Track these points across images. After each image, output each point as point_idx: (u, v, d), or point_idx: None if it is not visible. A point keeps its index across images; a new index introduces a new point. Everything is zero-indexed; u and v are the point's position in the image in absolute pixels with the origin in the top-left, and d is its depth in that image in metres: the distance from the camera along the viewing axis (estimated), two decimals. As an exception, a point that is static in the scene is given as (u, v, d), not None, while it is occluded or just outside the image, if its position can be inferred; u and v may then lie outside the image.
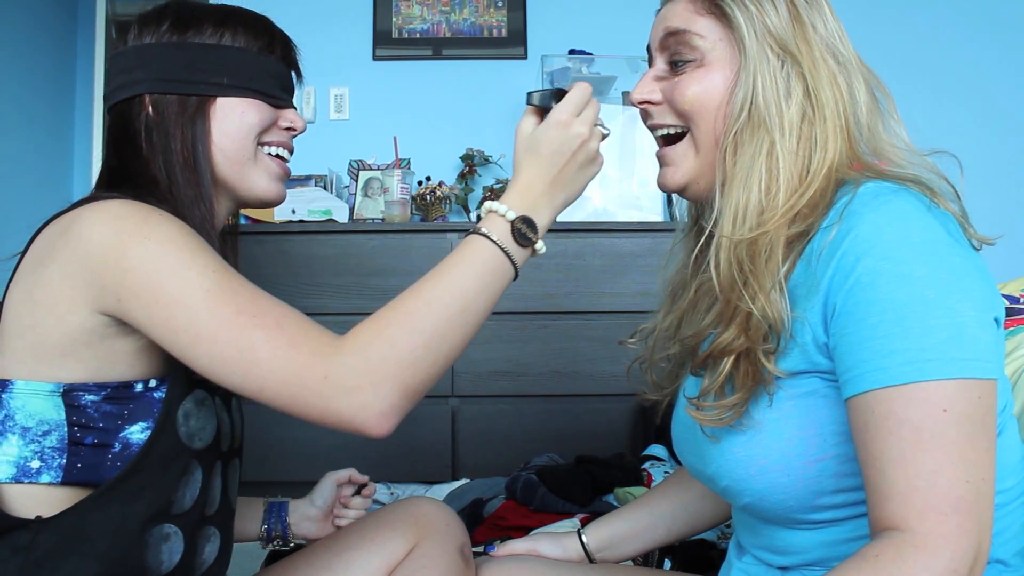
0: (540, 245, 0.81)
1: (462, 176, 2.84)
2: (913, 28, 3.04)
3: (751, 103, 0.77)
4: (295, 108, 0.94)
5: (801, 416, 0.74)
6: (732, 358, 0.75)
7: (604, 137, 0.84)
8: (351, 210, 2.64)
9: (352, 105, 3.02)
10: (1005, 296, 1.18)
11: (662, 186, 0.87)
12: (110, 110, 0.89)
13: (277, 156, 0.93)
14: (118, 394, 0.76)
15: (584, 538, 1.05)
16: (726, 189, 0.78)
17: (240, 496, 0.98)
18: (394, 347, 0.72)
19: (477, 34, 3.04)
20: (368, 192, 2.66)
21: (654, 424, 2.10)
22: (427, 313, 0.74)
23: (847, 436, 0.71)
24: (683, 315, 0.89)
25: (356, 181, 2.70)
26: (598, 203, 2.45)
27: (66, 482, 0.75)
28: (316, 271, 2.31)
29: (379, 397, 0.70)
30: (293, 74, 0.95)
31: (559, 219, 0.87)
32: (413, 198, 2.64)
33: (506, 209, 0.79)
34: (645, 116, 0.87)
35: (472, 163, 2.84)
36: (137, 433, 0.77)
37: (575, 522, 1.60)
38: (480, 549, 1.21)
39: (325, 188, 2.72)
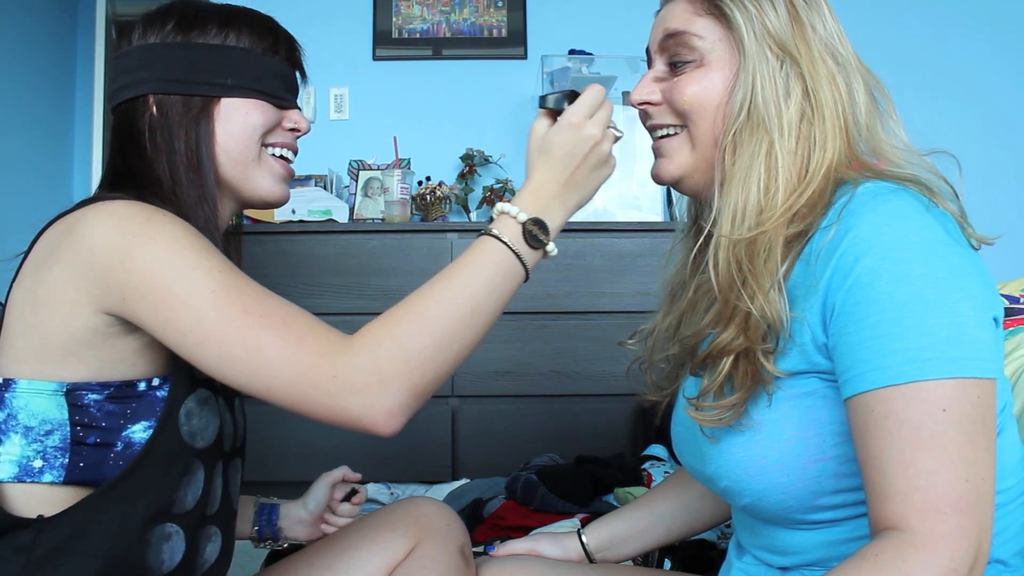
0: (551, 247, 0.81)
1: (462, 176, 2.84)
2: (912, 28, 3.04)
3: (750, 103, 0.77)
4: (299, 109, 0.94)
5: (800, 416, 0.74)
6: (731, 358, 0.75)
7: (617, 139, 0.85)
8: (351, 210, 2.64)
9: (352, 105, 3.02)
10: (1005, 296, 1.18)
11: (656, 177, 0.87)
12: (114, 110, 0.89)
13: (281, 157, 0.93)
14: (121, 393, 0.77)
15: (584, 538, 1.05)
16: (725, 188, 0.78)
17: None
18: (403, 347, 0.72)
19: (477, 34, 3.04)
20: (368, 192, 2.66)
21: (654, 424, 2.10)
22: (437, 314, 0.74)
23: (846, 436, 0.71)
24: (682, 315, 0.89)
25: (356, 181, 2.70)
26: (598, 203, 2.45)
27: (68, 481, 0.75)
28: (316, 271, 2.31)
29: (388, 396, 0.70)
30: (297, 74, 0.95)
31: (560, 219, 0.87)
32: (413, 198, 2.64)
33: (518, 211, 0.79)
34: (644, 117, 0.87)
35: (472, 163, 2.84)
36: (139, 432, 0.77)
37: (575, 522, 1.60)
38: (480, 549, 1.21)
39: (325, 188, 2.72)
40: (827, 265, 0.70)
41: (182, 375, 0.79)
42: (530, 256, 0.80)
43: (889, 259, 0.66)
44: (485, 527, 1.73)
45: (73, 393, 0.75)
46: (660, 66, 0.85)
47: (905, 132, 0.80)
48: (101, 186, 0.88)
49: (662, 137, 0.85)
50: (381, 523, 1.03)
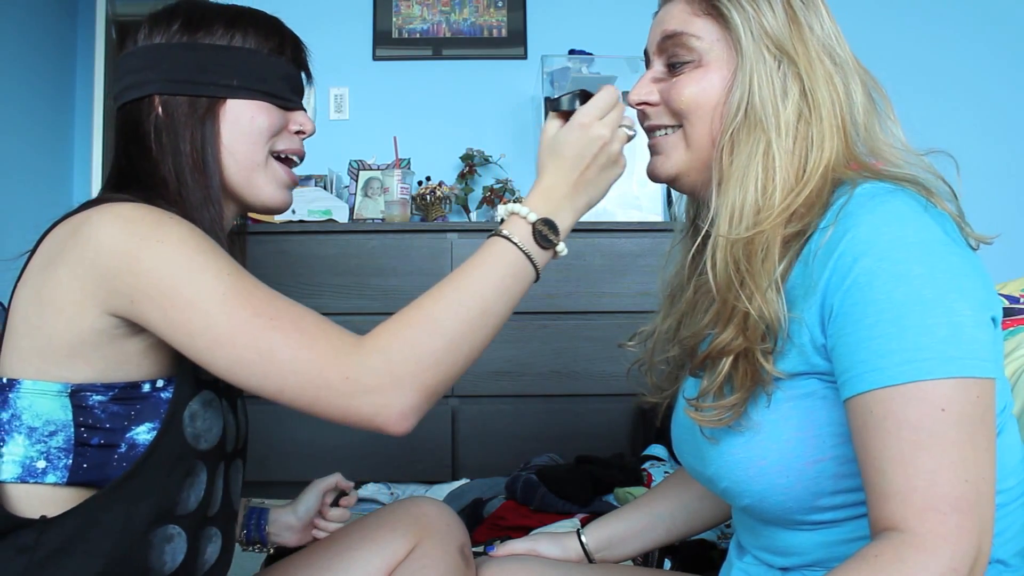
0: (562, 247, 0.82)
1: (462, 176, 2.85)
2: (912, 28, 3.04)
3: (747, 103, 0.77)
4: (305, 110, 0.94)
5: (799, 417, 0.74)
6: (730, 358, 0.75)
7: (630, 138, 0.85)
8: (351, 210, 2.64)
9: (352, 105, 3.02)
10: (1005, 296, 1.18)
11: (651, 175, 0.87)
12: (119, 110, 0.89)
13: (287, 159, 0.92)
14: (125, 394, 0.76)
15: (583, 538, 1.05)
16: (722, 188, 0.78)
17: (236, 496, 0.98)
18: (415, 348, 0.72)
19: (477, 34, 3.04)
20: (368, 192, 2.66)
21: (654, 424, 2.10)
22: (448, 315, 0.74)
23: (846, 437, 0.71)
24: (682, 316, 0.89)
25: (356, 181, 2.70)
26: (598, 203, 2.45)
27: (71, 482, 0.75)
28: (316, 271, 2.31)
29: (400, 397, 0.71)
30: (303, 75, 0.95)
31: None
32: (413, 198, 2.64)
33: (528, 211, 0.80)
34: (642, 118, 0.87)
35: (472, 163, 2.84)
36: (143, 434, 0.77)
37: (575, 522, 1.60)
38: (480, 549, 1.21)
39: (325, 188, 2.72)
40: (825, 266, 0.70)
41: (186, 377, 0.79)
42: (540, 256, 0.80)
43: (887, 259, 0.66)
44: (485, 527, 1.73)
45: (77, 394, 0.75)
46: (658, 67, 0.85)
47: (903, 132, 0.80)
48: (105, 187, 0.88)
49: (658, 135, 0.86)
50: (381, 523, 1.03)
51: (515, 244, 0.78)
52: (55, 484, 0.75)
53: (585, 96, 0.83)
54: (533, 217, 0.80)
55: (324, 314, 0.75)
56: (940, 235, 0.68)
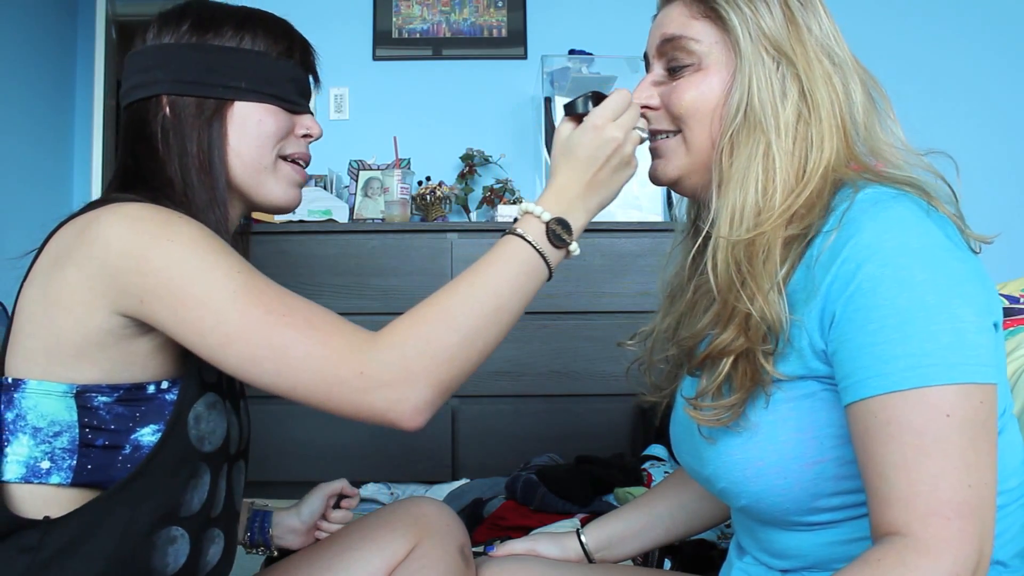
0: (574, 246, 0.82)
1: (462, 176, 2.85)
2: (912, 28, 3.05)
3: (747, 105, 0.77)
4: (312, 114, 0.94)
5: (798, 419, 0.74)
6: (731, 359, 0.75)
7: (642, 140, 0.85)
8: (351, 210, 2.65)
9: (352, 105, 3.02)
10: (1005, 296, 1.18)
11: (653, 178, 0.87)
12: (126, 109, 0.89)
13: (294, 163, 0.92)
14: (130, 396, 0.76)
15: (583, 538, 1.05)
16: (723, 190, 0.78)
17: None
18: (430, 343, 0.72)
19: (477, 34, 3.04)
20: (368, 192, 2.66)
21: (654, 424, 2.10)
22: (462, 311, 0.75)
23: (845, 439, 0.71)
24: (681, 317, 0.89)
25: (356, 181, 2.70)
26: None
27: (75, 483, 0.75)
28: (316, 271, 2.31)
29: (414, 392, 0.71)
30: (311, 79, 0.94)
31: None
32: (413, 198, 2.64)
33: (541, 210, 0.80)
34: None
35: (472, 163, 2.84)
36: (148, 435, 0.77)
37: (575, 522, 1.60)
38: (480, 549, 1.21)
39: (325, 188, 2.72)
40: (828, 271, 0.70)
41: (191, 379, 0.79)
42: (553, 255, 0.80)
43: (890, 266, 0.66)
44: (485, 527, 1.73)
45: (83, 395, 0.75)
46: (659, 70, 0.85)
47: (903, 131, 0.80)
48: (111, 186, 0.88)
49: (658, 139, 0.86)
50: (381, 523, 1.03)
51: (529, 243, 0.79)
52: (59, 485, 0.75)
53: (599, 98, 0.84)
54: (547, 216, 0.80)
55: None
56: (943, 240, 0.68)
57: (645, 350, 0.95)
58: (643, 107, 0.85)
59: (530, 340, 2.29)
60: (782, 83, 0.77)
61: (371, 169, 2.70)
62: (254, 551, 1.13)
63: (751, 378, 0.74)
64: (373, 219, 2.59)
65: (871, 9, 3.00)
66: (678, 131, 0.83)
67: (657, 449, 2.01)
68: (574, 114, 0.85)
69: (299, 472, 2.29)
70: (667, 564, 1.29)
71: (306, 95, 0.93)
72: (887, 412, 0.65)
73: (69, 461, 0.75)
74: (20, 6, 3.43)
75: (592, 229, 2.30)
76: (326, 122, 2.98)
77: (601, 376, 2.30)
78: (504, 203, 2.68)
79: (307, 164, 0.95)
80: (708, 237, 0.80)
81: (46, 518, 0.74)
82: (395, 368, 0.71)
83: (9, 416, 0.75)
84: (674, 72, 0.82)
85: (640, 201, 2.48)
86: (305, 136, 0.93)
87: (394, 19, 3.04)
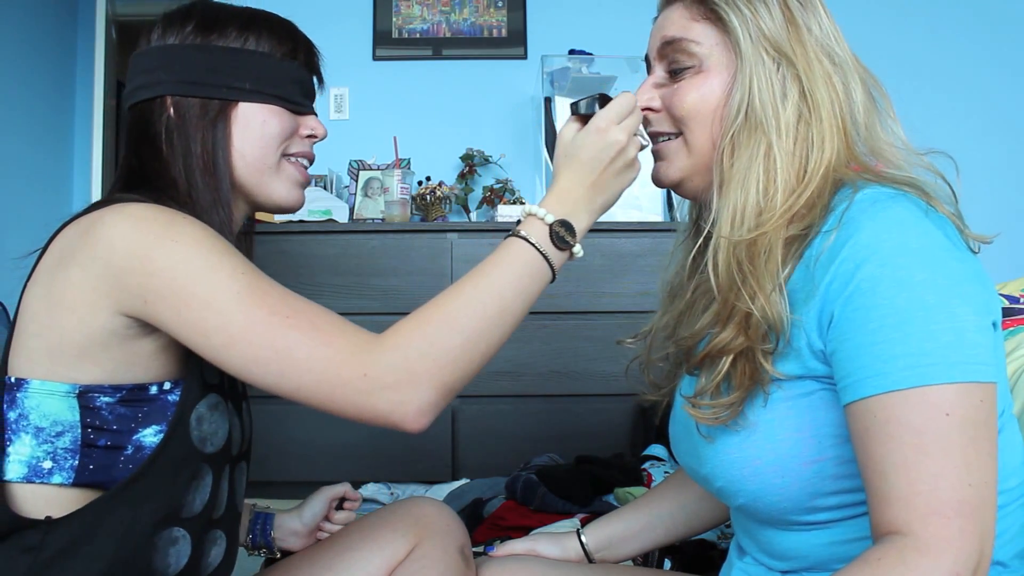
0: (578, 249, 0.82)
1: (462, 176, 2.85)
2: (911, 28, 3.05)
3: (747, 105, 0.77)
4: (316, 114, 0.94)
5: (797, 418, 0.74)
6: (730, 357, 0.75)
7: (643, 147, 0.85)
8: (351, 210, 2.65)
9: (352, 105, 3.02)
10: (1005, 296, 1.18)
11: (655, 181, 0.87)
12: (130, 109, 0.89)
13: (298, 162, 0.93)
14: (133, 396, 0.76)
15: (583, 538, 1.05)
16: (724, 190, 0.78)
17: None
18: (433, 345, 0.72)
19: (477, 34, 3.04)
20: (368, 192, 2.66)
21: (654, 424, 2.10)
22: (466, 313, 0.75)
23: (844, 438, 0.71)
24: (680, 315, 0.89)
25: (356, 181, 2.70)
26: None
27: (77, 483, 0.75)
28: (316, 271, 2.31)
29: (417, 394, 0.71)
30: (315, 79, 0.95)
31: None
32: (413, 198, 2.64)
33: (545, 212, 0.80)
34: (644, 123, 0.87)
35: (472, 163, 2.84)
36: (150, 436, 0.77)
37: (575, 522, 1.60)
38: (480, 549, 1.21)
39: (325, 188, 2.72)
40: (827, 271, 0.70)
41: (194, 380, 0.79)
42: (557, 257, 0.80)
43: (889, 266, 0.67)
44: (485, 527, 1.73)
45: (85, 395, 0.75)
46: (660, 72, 0.85)
47: (903, 131, 0.80)
48: (115, 186, 0.88)
49: (660, 141, 0.86)
50: (381, 523, 1.03)
51: (532, 245, 0.79)
52: (61, 485, 0.75)
53: (604, 100, 0.84)
54: (550, 218, 0.80)
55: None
56: (942, 240, 0.68)
57: (644, 348, 0.95)
58: (645, 109, 0.85)
59: (530, 340, 2.29)
60: (782, 84, 0.77)
61: (371, 169, 2.70)
62: (256, 553, 1.13)
63: (750, 377, 0.74)
64: (373, 219, 2.59)
65: (871, 9, 3.00)
66: (680, 133, 0.83)
67: (657, 449, 2.01)
68: (579, 116, 0.85)
69: (299, 472, 2.29)
70: (667, 564, 1.29)
71: (310, 96, 0.93)
72: (887, 411, 0.65)
73: (71, 461, 0.75)
74: (20, 6, 3.43)
75: (592, 229, 2.28)
76: (326, 122, 2.94)
77: (601, 376, 2.30)
78: (504, 203, 2.68)
79: (311, 163, 0.95)
80: (709, 237, 0.80)
81: (48, 518, 0.74)
82: (398, 370, 0.71)
83: (12, 416, 0.75)
84: (675, 74, 0.83)
85: (640, 201, 2.48)
86: (310, 137, 0.93)
87: (394, 19, 3.04)
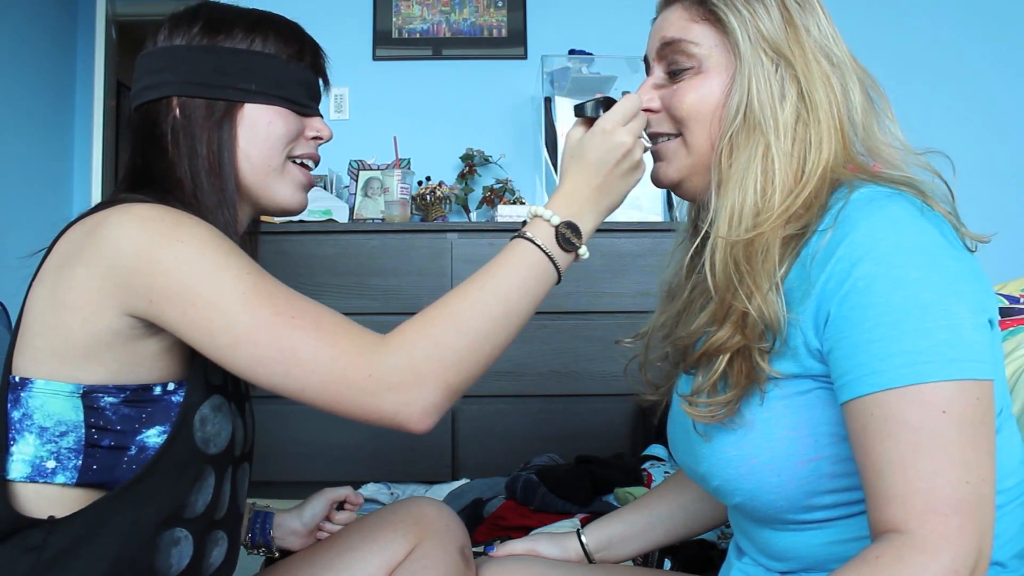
0: (584, 250, 0.82)
1: (462, 176, 2.85)
2: (911, 27, 3.05)
3: (746, 106, 0.78)
4: (321, 116, 0.94)
5: (794, 416, 0.74)
6: (727, 356, 0.76)
7: (645, 150, 0.86)
8: (351, 210, 2.65)
9: (352, 105, 3.02)
10: (1005, 296, 1.18)
11: (655, 180, 0.87)
12: (136, 110, 0.89)
13: (303, 165, 0.93)
14: (137, 397, 0.77)
15: (583, 538, 1.06)
16: (722, 190, 0.79)
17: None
18: (439, 346, 0.73)
19: (477, 34, 3.04)
20: (368, 192, 2.67)
21: (654, 424, 2.10)
22: (472, 314, 0.75)
23: (841, 437, 0.71)
24: (678, 315, 0.89)
25: (356, 181, 2.70)
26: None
27: (80, 483, 0.75)
28: (316, 271, 2.31)
29: (422, 395, 0.71)
30: (321, 81, 0.95)
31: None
32: (413, 198, 2.64)
33: (551, 214, 0.80)
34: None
35: (472, 163, 2.84)
36: (154, 437, 0.77)
37: (575, 522, 1.60)
38: (480, 549, 1.21)
39: (325, 188, 2.72)
40: (822, 270, 0.70)
41: (198, 381, 0.79)
42: (562, 259, 0.81)
43: (885, 264, 0.67)
44: (485, 527, 1.74)
45: (89, 395, 0.75)
46: (659, 73, 0.85)
47: (901, 131, 0.80)
48: (120, 187, 0.88)
49: (659, 142, 0.86)
50: (381, 523, 1.03)
51: (538, 246, 0.79)
52: (64, 484, 0.75)
53: (609, 103, 0.84)
54: (556, 220, 0.80)
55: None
56: (937, 238, 0.68)
57: (642, 348, 0.95)
58: (644, 110, 0.85)
59: (530, 340, 2.29)
60: (781, 85, 0.77)
61: (371, 169, 2.70)
62: (255, 552, 1.13)
63: (747, 375, 0.75)
64: (373, 219, 2.59)
65: (871, 9, 3.00)
66: (679, 133, 0.83)
67: (657, 449, 2.01)
68: (584, 118, 0.85)
69: (299, 472, 2.29)
70: (667, 564, 1.29)
71: (316, 97, 0.93)
72: (883, 409, 0.65)
73: (75, 461, 0.75)
74: (20, 6, 3.43)
75: (592, 229, 2.31)
76: (326, 122, 2.98)
77: (601, 376, 2.30)
78: (504, 203, 2.69)
79: (317, 164, 0.95)
80: (707, 237, 0.80)
81: (51, 518, 0.74)
82: (404, 371, 0.71)
83: (16, 415, 0.76)
84: (674, 75, 0.83)
85: (640, 201, 2.48)
86: (315, 138, 0.93)
87: (394, 19, 3.04)
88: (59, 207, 3.71)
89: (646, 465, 1.90)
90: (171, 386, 0.79)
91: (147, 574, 0.76)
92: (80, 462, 0.75)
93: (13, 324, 0.82)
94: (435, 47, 3.04)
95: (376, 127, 2.92)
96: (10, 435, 0.76)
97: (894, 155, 0.79)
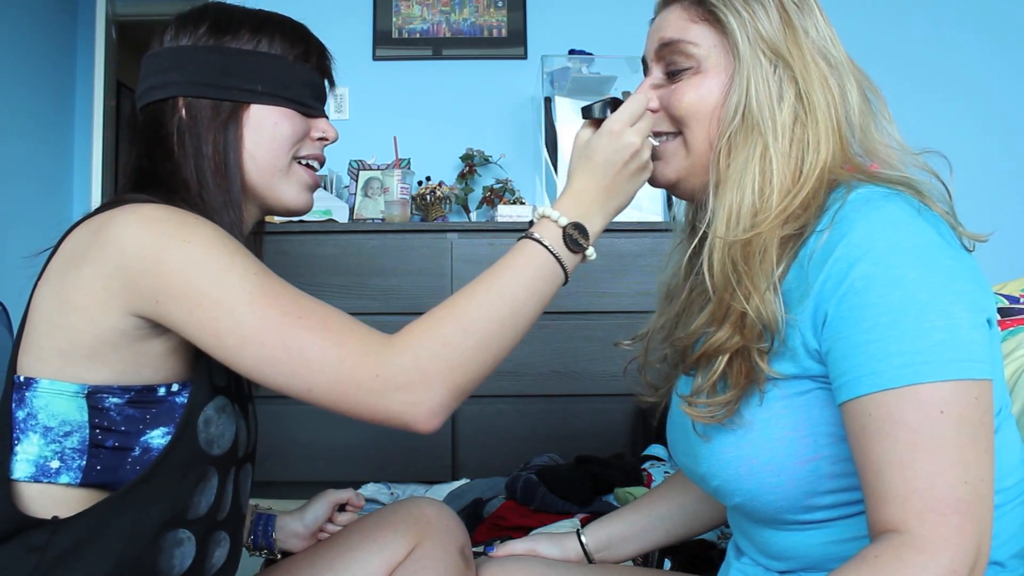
0: (591, 251, 0.82)
1: (462, 176, 2.85)
2: (910, 27, 3.05)
3: (744, 107, 0.78)
4: (327, 117, 0.94)
5: (793, 417, 0.74)
6: (726, 356, 0.76)
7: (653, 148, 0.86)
8: (351, 210, 2.65)
9: (352, 105, 3.02)
10: (1005, 296, 1.18)
11: (652, 180, 0.88)
12: (142, 110, 0.89)
13: (308, 166, 0.93)
14: (141, 398, 0.77)
15: (583, 538, 1.06)
16: (720, 191, 0.79)
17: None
18: (446, 347, 0.73)
19: (477, 34, 3.04)
20: (368, 192, 2.67)
21: (654, 424, 2.10)
22: (478, 315, 0.75)
23: (840, 437, 0.71)
24: (677, 317, 0.89)
25: (356, 181, 2.70)
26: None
27: (84, 484, 0.75)
28: (316, 271, 2.31)
29: (429, 395, 0.72)
30: (326, 82, 0.95)
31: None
32: (413, 198, 2.65)
33: (559, 215, 0.80)
34: None
35: (472, 163, 2.84)
36: (158, 438, 0.77)
37: (575, 522, 1.60)
38: (480, 549, 1.21)
39: (325, 188, 2.72)
40: (820, 270, 0.71)
41: (202, 382, 0.80)
42: (570, 260, 0.81)
43: (883, 264, 0.67)
44: (485, 527, 1.74)
45: (94, 396, 0.75)
46: (657, 73, 0.85)
47: (898, 131, 0.81)
48: (125, 187, 0.88)
49: (658, 141, 0.86)
50: (381, 523, 1.03)
51: (546, 247, 0.79)
52: (68, 485, 0.75)
53: (616, 104, 0.84)
54: (564, 221, 0.80)
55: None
56: (935, 238, 0.68)
57: (641, 350, 0.95)
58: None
59: (530, 340, 2.28)
60: (779, 86, 0.78)
61: (371, 169, 2.70)
62: (256, 553, 1.13)
63: (746, 376, 0.75)
64: (373, 219, 2.59)
65: (869, 9, 3.00)
66: (678, 133, 0.83)
67: (657, 449, 2.01)
68: (592, 119, 0.86)
69: (300, 472, 2.29)
70: (667, 564, 1.29)
71: (321, 99, 0.93)
72: (882, 409, 0.65)
73: (79, 461, 0.75)
74: (20, 6, 3.43)
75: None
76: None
77: (601, 376, 2.30)
78: (504, 203, 2.69)
79: (322, 165, 0.95)
80: (705, 238, 0.80)
81: (54, 518, 0.74)
82: (410, 371, 0.71)
83: (20, 415, 0.76)
84: (673, 75, 0.83)
85: (640, 201, 2.48)
86: (321, 139, 0.93)
87: (394, 19, 3.04)
88: (59, 207, 3.71)
89: (646, 465, 1.90)
90: (175, 387, 0.79)
91: (150, 575, 0.77)
92: (84, 462, 0.75)
93: (15, 324, 0.82)
94: (435, 47, 3.04)
95: (376, 127, 2.92)
96: (14, 435, 0.76)
97: (891, 155, 0.79)
